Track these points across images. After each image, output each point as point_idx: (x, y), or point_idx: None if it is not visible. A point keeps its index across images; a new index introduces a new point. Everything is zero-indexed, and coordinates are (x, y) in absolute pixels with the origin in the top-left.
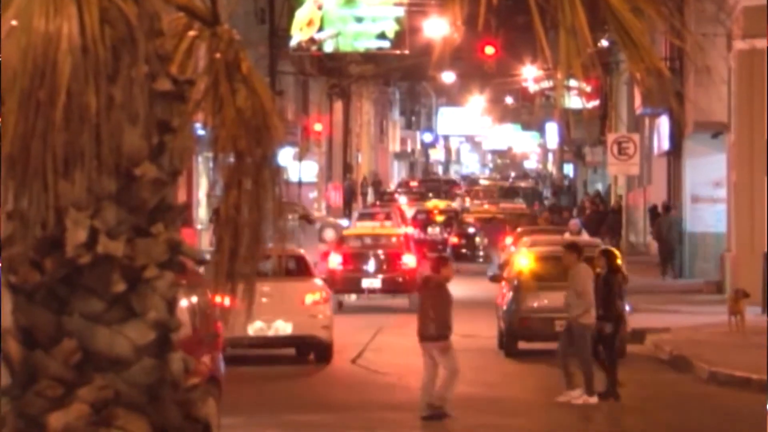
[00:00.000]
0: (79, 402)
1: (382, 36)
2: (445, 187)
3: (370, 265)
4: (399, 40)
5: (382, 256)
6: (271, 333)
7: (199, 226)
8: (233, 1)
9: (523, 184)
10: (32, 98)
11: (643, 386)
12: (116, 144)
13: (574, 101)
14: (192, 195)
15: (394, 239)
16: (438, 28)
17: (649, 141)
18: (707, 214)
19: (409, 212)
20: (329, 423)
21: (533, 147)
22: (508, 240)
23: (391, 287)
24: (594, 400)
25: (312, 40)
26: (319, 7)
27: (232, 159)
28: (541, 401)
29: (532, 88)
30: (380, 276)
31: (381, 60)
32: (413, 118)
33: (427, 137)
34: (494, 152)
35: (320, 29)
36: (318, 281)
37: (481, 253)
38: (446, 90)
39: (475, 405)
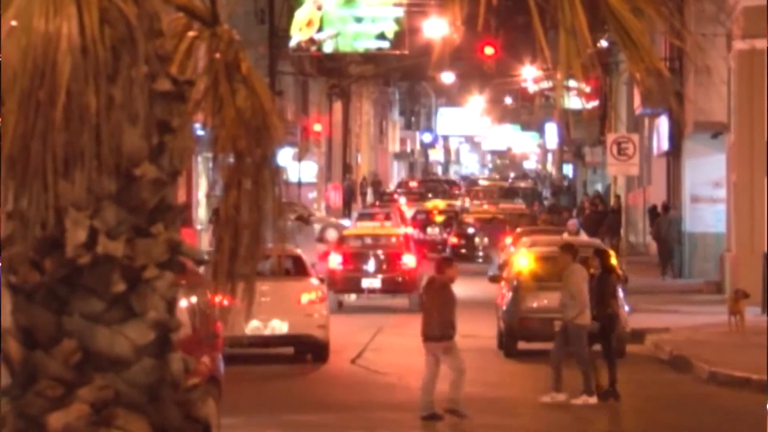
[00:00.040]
0: (79, 402)
1: (381, 36)
2: (441, 188)
3: (370, 265)
4: (398, 40)
5: (382, 256)
6: (267, 332)
7: (199, 226)
8: (233, 1)
9: (522, 184)
10: (32, 98)
11: (643, 386)
12: (116, 144)
13: (573, 101)
14: (192, 195)
15: (393, 239)
16: (437, 29)
17: (648, 141)
18: (707, 214)
19: (409, 212)
20: (329, 423)
21: (533, 147)
22: (508, 240)
23: (390, 287)
24: (594, 400)
25: (312, 41)
26: (319, 8)
27: (231, 159)
28: (541, 401)
29: (532, 88)
30: (380, 276)
31: (380, 60)
32: (413, 119)
33: (427, 137)
34: (494, 152)
35: (320, 29)
36: (314, 281)
37: (481, 254)
38: (446, 90)
39: (475, 405)
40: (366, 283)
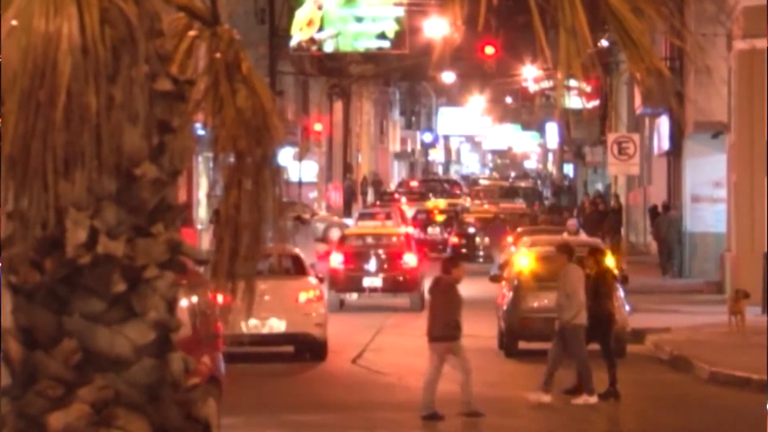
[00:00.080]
0: (80, 402)
1: (382, 36)
2: (442, 187)
3: (372, 265)
4: (399, 40)
5: (383, 256)
6: (265, 330)
7: (199, 226)
8: (233, 1)
9: (523, 184)
10: (32, 98)
11: (644, 386)
12: (116, 144)
13: (574, 101)
14: (192, 195)
15: (394, 239)
16: (438, 28)
17: (649, 141)
18: (707, 214)
19: (410, 212)
20: (329, 423)
21: (533, 147)
22: (510, 240)
23: (392, 286)
24: (594, 399)
25: (312, 40)
26: (319, 7)
27: (232, 159)
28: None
29: (532, 88)
30: (381, 275)
31: (381, 60)
32: (413, 118)
33: (427, 137)
34: (494, 152)
35: (320, 29)
36: (312, 279)
37: (481, 253)
38: (446, 90)
39: (476, 404)
40: (367, 282)
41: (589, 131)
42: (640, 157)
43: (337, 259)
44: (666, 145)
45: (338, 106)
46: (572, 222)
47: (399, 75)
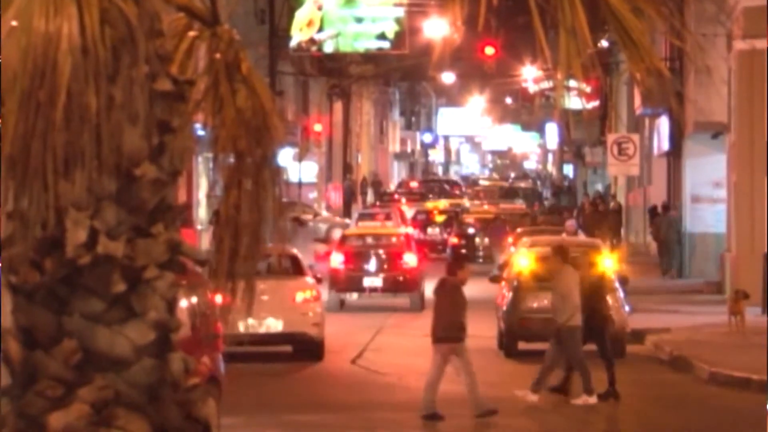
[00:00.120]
0: (80, 402)
1: (382, 36)
2: (441, 188)
3: (372, 265)
4: (399, 40)
5: (383, 256)
6: (262, 330)
7: (199, 226)
8: (233, 1)
9: (522, 184)
10: (32, 98)
11: (644, 386)
12: (116, 144)
13: (573, 102)
14: (192, 195)
15: (394, 239)
16: (438, 29)
17: (649, 141)
18: (707, 214)
19: (409, 212)
20: (329, 423)
21: (533, 147)
22: (510, 240)
23: (392, 286)
24: (594, 399)
25: (312, 41)
26: (319, 8)
27: (232, 159)
28: (541, 402)
29: (532, 88)
30: (381, 275)
31: (381, 60)
32: (413, 119)
33: (427, 138)
34: (494, 153)
35: (320, 30)
36: (309, 279)
37: (481, 254)
38: (446, 90)
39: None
40: (367, 282)
41: (589, 132)
42: (639, 157)
43: (337, 259)
44: (666, 145)
45: (338, 106)
46: (570, 223)
47: (399, 75)
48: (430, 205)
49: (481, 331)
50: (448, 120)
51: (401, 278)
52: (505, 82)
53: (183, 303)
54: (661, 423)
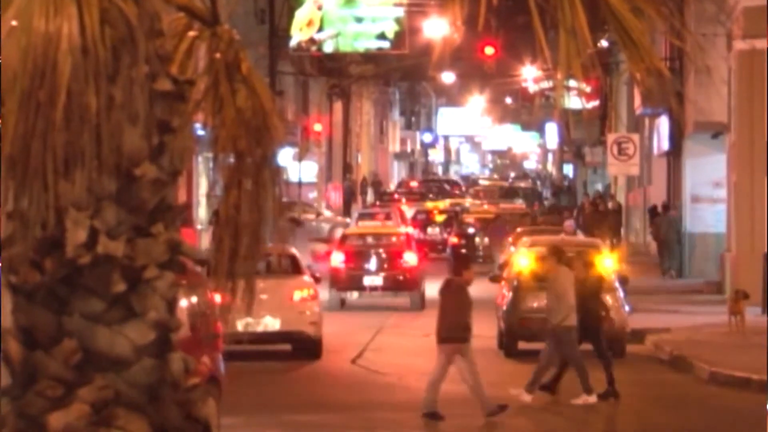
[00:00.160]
0: (80, 402)
1: (381, 36)
2: (437, 188)
3: (372, 263)
4: (399, 40)
5: (383, 255)
6: (260, 329)
7: (199, 226)
8: (233, 1)
9: (522, 184)
10: (32, 98)
11: (644, 386)
12: (116, 144)
13: (573, 101)
14: (192, 195)
15: (395, 238)
16: (438, 29)
17: (649, 141)
18: (707, 214)
19: (409, 212)
20: (329, 423)
21: (533, 147)
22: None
23: (392, 285)
24: (593, 399)
25: (312, 41)
26: (319, 8)
27: (232, 159)
28: (541, 401)
29: (532, 88)
30: (382, 274)
31: (381, 60)
32: (413, 119)
33: (427, 137)
34: (494, 152)
35: (320, 29)
36: (307, 278)
37: (481, 253)
38: (446, 90)
39: (473, 405)
40: (368, 281)
41: (589, 131)
42: (639, 157)
43: (338, 258)
44: (666, 145)
45: (338, 106)
46: (569, 223)
47: (399, 75)
48: (430, 204)
49: (481, 331)
50: (448, 120)
51: (402, 277)
52: (505, 82)
53: (183, 303)
54: (661, 423)
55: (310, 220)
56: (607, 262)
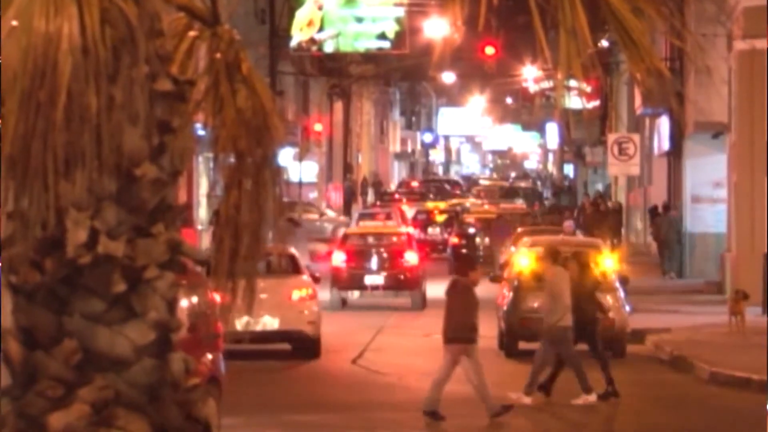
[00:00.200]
0: (80, 402)
1: (382, 36)
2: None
3: (373, 263)
4: (399, 40)
5: (384, 254)
6: (258, 328)
7: (199, 226)
8: (233, 1)
9: (523, 184)
10: (33, 99)
11: (644, 386)
12: (117, 144)
13: (574, 101)
14: (192, 195)
15: (395, 238)
16: (438, 29)
17: (649, 141)
18: (707, 214)
19: (410, 212)
20: (329, 423)
21: (533, 147)
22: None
23: (393, 284)
24: (593, 397)
25: (312, 41)
26: (320, 8)
27: (232, 159)
28: (541, 402)
29: (533, 88)
30: (383, 273)
31: (381, 60)
32: (413, 119)
33: (428, 137)
34: (494, 152)
35: (320, 29)
36: (305, 278)
37: (481, 254)
38: (446, 90)
39: (474, 405)
40: (369, 280)
41: (589, 131)
42: (640, 157)
43: (339, 258)
44: (666, 145)
45: (338, 106)
46: (568, 224)
47: (399, 75)
48: (430, 204)
49: (482, 331)
50: (449, 120)
51: (402, 276)
52: (505, 82)
53: (183, 303)
54: (661, 423)
55: (314, 221)
56: (606, 262)
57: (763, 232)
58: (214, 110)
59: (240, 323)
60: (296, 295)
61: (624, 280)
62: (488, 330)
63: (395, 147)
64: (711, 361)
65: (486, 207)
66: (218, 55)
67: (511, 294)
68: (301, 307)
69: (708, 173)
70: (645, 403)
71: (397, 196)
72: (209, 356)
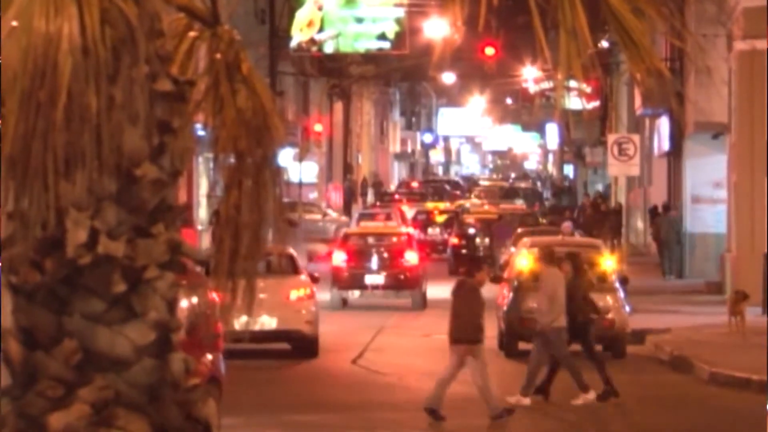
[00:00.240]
0: (80, 402)
1: (382, 37)
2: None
3: (374, 263)
4: (399, 40)
5: (385, 254)
6: (256, 327)
7: (199, 227)
8: (233, 1)
9: (523, 184)
10: (33, 99)
11: (644, 387)
12: (117, 144)
13: (574, 102)
14: (192, 195)
15: (396, 238)
16: (438, 29)
17: (649, 142)
18: (707, 214)
19: (410, 213)
20: (329, 423)
21: (533, 148)
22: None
23: (394, 284)
24: (592, 396)
25: (312, 41)
26: (320, 8)
27: (232, 159)
28: (541, 402)
29: (533, 88)
30: (383, 273)
31: (381, 61)
32: (413, 119)
33: (428, 138)
34: (494, 153)
35: (320, 30)
36: (304, 278)
37: (481, 254)
38: (446, 90)
39: (474, 405)
40: (369, 279)
41: (589, 132)
42: (640, 157)
43: (339, 257)
44: (666, 145)
45: (338, 106)
46: (567, 225)
47: (399, 75)
48: (430, 205)
49: None
50: (449, 120)
51: (403, 276)
52: (505, 82)
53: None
54: (661, 423)
55: (316, 221)
56: (604, 263)
57: (763, 232)
58: (214, 110)
59: (238, 323)
60: (294, 294)
61: (624, 281)
62: (488, 330)
63: (395, 147)
64: (711, 362)
65: (486, 207)
66: (218, 56)
67: (511, 294)
68: (298, 307)
69: (708, 173)
70: (645, 404)
71: (397, 196)
72: (209, 356)
